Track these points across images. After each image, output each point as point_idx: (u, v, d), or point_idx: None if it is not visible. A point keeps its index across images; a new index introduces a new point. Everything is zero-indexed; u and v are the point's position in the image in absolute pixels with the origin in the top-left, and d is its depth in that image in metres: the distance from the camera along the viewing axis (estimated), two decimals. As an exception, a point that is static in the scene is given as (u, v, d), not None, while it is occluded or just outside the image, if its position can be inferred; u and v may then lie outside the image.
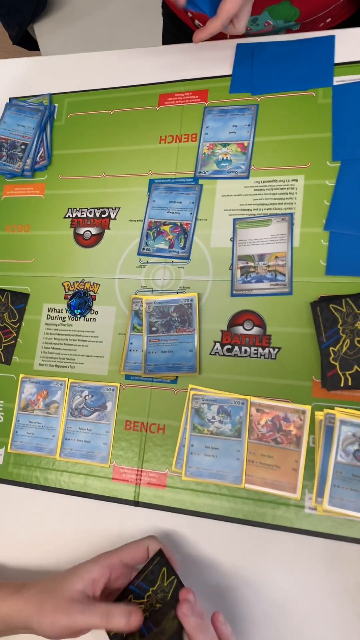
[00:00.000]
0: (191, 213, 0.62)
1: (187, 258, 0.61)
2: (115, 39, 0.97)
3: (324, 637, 0.48)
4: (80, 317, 0.64)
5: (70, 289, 0.65)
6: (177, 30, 0.87)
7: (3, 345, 0.65)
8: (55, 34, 0.97)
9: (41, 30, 0.96)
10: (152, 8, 1.02)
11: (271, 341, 0.55)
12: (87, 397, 0.61)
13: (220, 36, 0.78)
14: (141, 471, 0.57)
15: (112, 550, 0.49)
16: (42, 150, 0.71)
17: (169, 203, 0.63)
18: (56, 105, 0.72)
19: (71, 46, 0.96)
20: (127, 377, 0.60)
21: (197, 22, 0.80)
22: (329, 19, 0.74)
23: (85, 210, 0.67)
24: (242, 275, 0.58)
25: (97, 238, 0.65)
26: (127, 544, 0.49)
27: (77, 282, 0.65)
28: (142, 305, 0.60)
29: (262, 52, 0.65)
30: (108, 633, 0.45)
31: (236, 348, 0.57)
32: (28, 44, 1.06)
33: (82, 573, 0.47)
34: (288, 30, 0.72)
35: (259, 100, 0.63)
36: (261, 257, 0.58)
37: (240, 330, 0.57)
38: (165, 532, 0.55)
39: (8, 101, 0.74)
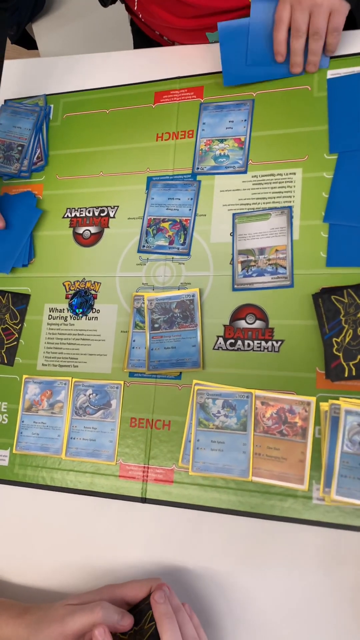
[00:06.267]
0: (190, 209, 0.62)
1: (188, 254, 0.61)
2: (114, 38, 0.96)
3: (337, 629, 0.49)
4: (82, 316, 0.64)
5: (71, 288, 0.65)
6: (146, 46, 0.87)
7: (5, 346, 0.65)
8: (54, 33, 0.96)
9: (40, 29, 0.96)
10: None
11: (274, 334, 0.56)
12: (91, 396, 0.61)
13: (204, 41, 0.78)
14: (148, 468, 0.57)
15: (118, 584, 0.49)
16: (38, 151, 0.71)
17: (168, 200, 0.63)
18: (52, 106, 0.72)
19: (70, 45, 0.96)
20: (131, 374, 0.60)
21: (165, 37, 0.80)
22: None
23: (84, 209, 0.67)
24: (243, 269, 0.58)
25: (96, 237, 0.66)
26: (132, 581, 0.49)
27: (77, 281, 0.65)
28: (143, 303, 0.61)
29: (246, 31, 0.62)
30: None
31: (239, 342, 0.57)
32: (26, 44, 1.06)
33: (81, 595, 0.48)
34: None
35: (254, 95, 0.63)
36: (261, 250, 0.58)
37: (242, 324, 0.57)
38: (173, 527, 0.55)
39: (3, 103, 0.74)
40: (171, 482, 0.55)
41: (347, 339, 0.52)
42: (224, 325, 0.58)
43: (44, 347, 0.64)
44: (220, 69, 0.65)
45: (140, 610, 0.46)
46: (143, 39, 0.88)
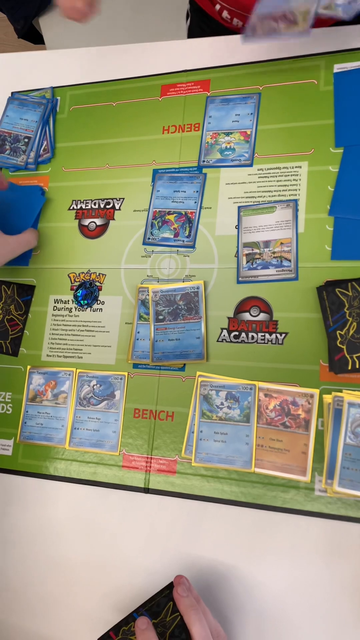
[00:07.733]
0: (195, 202, 0.62)
1: (193, 246, 0.61)
2: (121, 33, 0.96)
3: (338, 619, 0.49)
4: (86, 308, 0.64)
5: (76, 280, 0.65)
6: (203, 23, 0.88)
7: (10, 337, 0.66)
8: (61, 27, 0.96)
9: (46, 24, 0.96)
10: (156, 3, 1.02)
11: (278, 327, 0.56)
12: (95, 387, 0.61)
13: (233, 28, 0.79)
14: (151, 458, 0.57)
15: None
16: (45, 143, 0.71)
17: (173, 192, 0.63)
18: (58, 98, 0.73)
19: (76, 40, 0.96)
20: (135, 365, 0.60)
21: (225, 14, 0.80)
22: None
23: (90, 201, 0.67)
24: (247, 262, 0.58)
25: (102, 229, 0.66)
26: None
27: (83, 273, 0.65)
28: (148, 294, 0.61)
29: None
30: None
31: (243, 334, 0.57)
32: (33, 38, 1.06)
33: None
34: None
35: (260, 88, 0.63)
36: (266, 243, 0.58)
37: (246, 316, 0.57)
38: (175, 518, 0.55)
39: (10, 95, 0.75)
40: (174, 473, 0.56)
41: (351, 332, 0.52)
42: (228, 318, 0.58)
43: (49, 338, 0.65)
44: (227, 63, 0.65)
45: (158, 602, 0.47)
46: (200, 15, 0.88)
